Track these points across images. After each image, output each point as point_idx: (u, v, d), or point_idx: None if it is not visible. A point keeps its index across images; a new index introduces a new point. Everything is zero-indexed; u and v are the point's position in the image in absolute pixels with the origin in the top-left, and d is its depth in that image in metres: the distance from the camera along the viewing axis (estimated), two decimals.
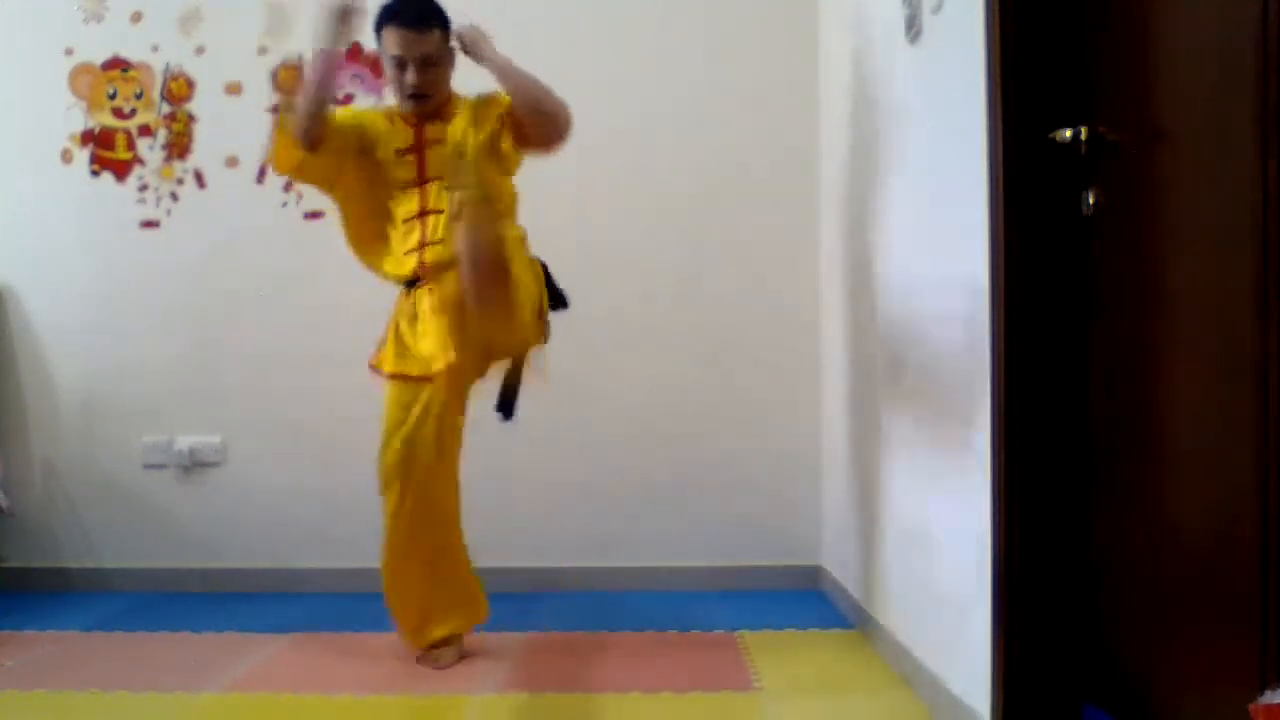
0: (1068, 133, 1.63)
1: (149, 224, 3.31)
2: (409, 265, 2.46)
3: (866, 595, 2.62)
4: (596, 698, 2.24)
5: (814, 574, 3.20)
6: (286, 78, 3.26)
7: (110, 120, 3.32)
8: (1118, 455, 1.63)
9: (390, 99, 2.56)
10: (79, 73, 3.32)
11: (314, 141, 2.41)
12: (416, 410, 2.39)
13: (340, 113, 2.53)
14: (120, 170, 3.32)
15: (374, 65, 3.23)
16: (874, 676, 2.34)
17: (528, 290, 2.41)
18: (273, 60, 3.27)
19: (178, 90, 3.30)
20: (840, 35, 2.88)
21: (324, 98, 2.40)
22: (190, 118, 3.30)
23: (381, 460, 2.43)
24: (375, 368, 2.51)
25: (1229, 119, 1.30)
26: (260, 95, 3.27)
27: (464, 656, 2.50)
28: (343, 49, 2.45)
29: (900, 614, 2.34)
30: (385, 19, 2.39)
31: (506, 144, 2.45)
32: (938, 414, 2.09)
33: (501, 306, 2.29)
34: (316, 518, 3.26)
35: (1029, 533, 1.72)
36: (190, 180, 3.30)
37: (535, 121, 2.40)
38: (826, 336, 3.14)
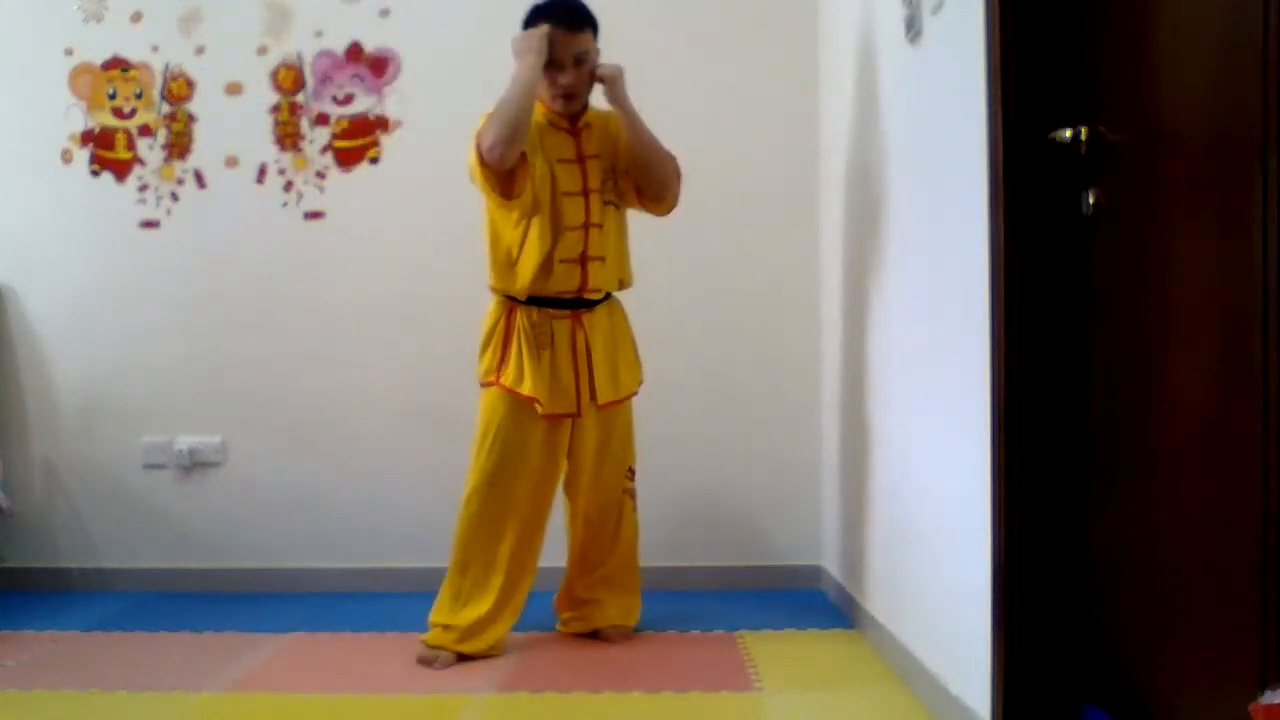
0: (1068, 133, 1.63)
1: (149, 224, 3.31)
2: (573, 279, 2.48)
3: (866, 595, 2.62)
4: (596, 698, 2.24)
5: (814, 574, 3.20)
6: (286, 78, 3.26)
7: (110, 120, 3.32)
8: (1117, 455, 1.63)
9: None
10: (79, 73, 3.32)
11: (507, 163, 2.34)
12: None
13: None
14: (120, 170, 3.32)
15: (374, 65, 3.24)
16: (873, 676, 2.34)
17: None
18: (273, 60, 3.27)
19: (178, 90, 3.30)
20: (840, 35, 2.88)
21: (528, 123, 2.36)
22: (190, 118, 3.30)
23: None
24: (515, 391, 2.47)
25: (1229, 119, 1.31)
26: (260, 95, 3.27)
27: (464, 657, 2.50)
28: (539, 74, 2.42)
29: (900, 614, 2.33)
30: (539, 18, 2.44)
31: (624, 182, 2.58)
32: (936, 413, 2.09)
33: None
34: (316, 518, 3.26)
35: (1029, 532, 1.72)
36: (190, 180, 3.30)
37: (643, 180, 2.56)
38: (826, 336, 3.14)
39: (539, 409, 2.47)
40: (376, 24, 3.24)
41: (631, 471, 2.68)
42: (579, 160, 2.52)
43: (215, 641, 2.72)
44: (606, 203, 2.55)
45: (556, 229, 2.46)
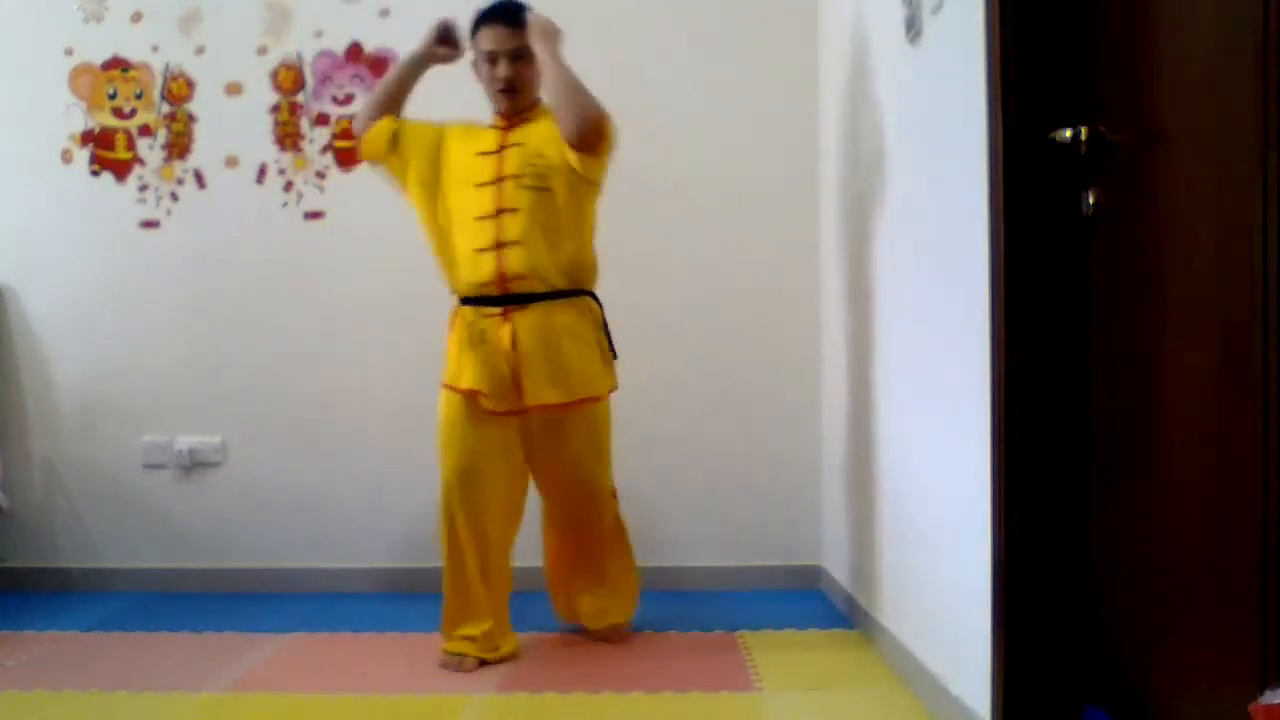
0: (1068, 133, 1.63)
1: (149, 224, 3.31)
2: (485, 267, 2.45)
3: (866, 595, 2.62)
4: (596, 698, 2.24)
5: (814, 574, 3.20)
6: (286, 78, 3.27)
7: (110, 120, 3.32)
8: (1117, 455, 1.63)
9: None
10: (79, 73, 3.32)
11: (369, 140, 2.60)
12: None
13: (420, 123, 2.61)
14: (120, 170, 3.32)
15: (374, 65, 3.24)
16: (874, 676, 2.34)
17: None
18: (273, 60, 3.27)
19: (178, 90, 3.30)
20: (840, 35, 2.88)
21: (389, 100, 2.62)
22: (190, 118, 3.30)
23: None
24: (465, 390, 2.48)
25: (1229, 119, 1.31)
26: (260, 95, 3.28)
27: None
28: (428, 65, 2.63)
29: (900, 614, 2.34)
30: (480, 21, 2.52)
31: (569, 152, 2.43)
32: (936, 414, 2.09)
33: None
34: (317, 518, 3.26)
35: (1029, 532, 1.72)
36: (190, 180, 3.30)
37: (562, 112, 2.42)
38: (827, 336, 3.14)
39: (484, 402, 2.45)
40: (376, 24, 3.24)
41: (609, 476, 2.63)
42: (499, 150, 2.50)
43: (215, 641, 2.72)
44: (528, 188, 2.45)
45: (465, 220, 2.49)
